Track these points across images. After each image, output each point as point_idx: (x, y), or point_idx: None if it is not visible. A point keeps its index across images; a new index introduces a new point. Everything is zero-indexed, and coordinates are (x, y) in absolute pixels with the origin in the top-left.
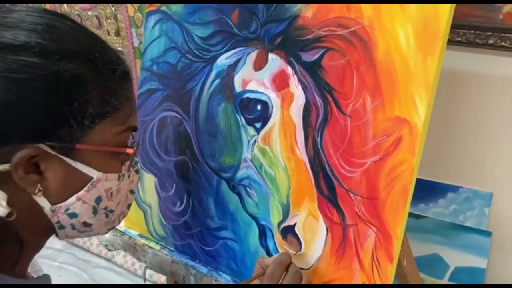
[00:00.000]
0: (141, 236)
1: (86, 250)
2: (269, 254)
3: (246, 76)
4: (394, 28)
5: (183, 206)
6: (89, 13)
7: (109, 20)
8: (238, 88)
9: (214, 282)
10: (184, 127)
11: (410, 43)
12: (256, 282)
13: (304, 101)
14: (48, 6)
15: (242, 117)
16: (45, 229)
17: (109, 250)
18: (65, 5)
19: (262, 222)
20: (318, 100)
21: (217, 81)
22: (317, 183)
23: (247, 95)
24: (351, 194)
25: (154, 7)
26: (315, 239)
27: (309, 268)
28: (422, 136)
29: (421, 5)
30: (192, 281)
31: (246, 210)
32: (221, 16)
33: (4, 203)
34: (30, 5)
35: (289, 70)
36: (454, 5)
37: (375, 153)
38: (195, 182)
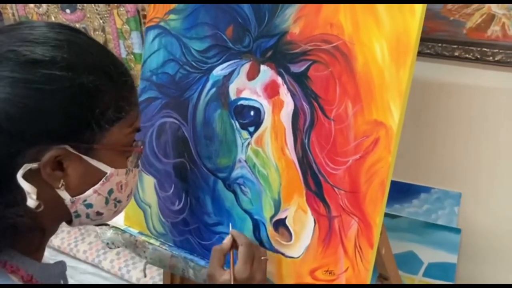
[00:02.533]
0: (141, 233)
1: (72, 256)
2: (262, 245)
3: (240, 85)
4: (371, 43)
5: (181, 205)
6: (77, 25)
7: (97, 32)
8: (232, 96)
9: None
10: (182, 132)
11: (385, 56)
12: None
13: (293, 107)
14: (35, 16)
15: (236, 122)
16: (63, 217)
17: (110, 248)
18: (52, 17)
19: (256, 217)
20: (306, 106)
21: (213, 90)
22: (305, 180)
23: (241, 102)
24: (336, 189)
25: (153, 23)
26: (304, 230)
27: (299, 257)
28: (396, 136)
29: (394, 22)
30: (191, 273)
31: (241, 206)
32: (217, 32)
33: (34, 197)
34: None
35: (279, 80)
36: (422, 22)
37: (356, 152)
38: (192, 182)
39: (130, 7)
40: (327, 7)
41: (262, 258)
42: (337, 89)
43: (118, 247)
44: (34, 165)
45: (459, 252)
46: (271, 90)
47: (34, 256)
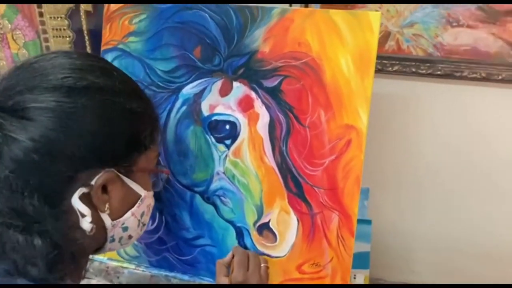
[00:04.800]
0: (111, 259)
1: None
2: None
3: (213, 102)
4: (337, 58)
5: (155, 224)
6: None
7: None
8: (205, 112)
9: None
10: None
11: (350, 68)
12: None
13: (268, 118)
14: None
15: (211, 137)
16: (99, 243)
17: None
18: None
19: (239, 224)
20: (281, 117)
21: (184, 107)
22: (286, 183)
23: (215, 117)
24: (316, 188)
25: (110, 45)
26: (288, 230)
27: (285, 255)
28: (365, 136)
29: (356, 39)
30: None
31: (222, 216)
32: (184, 52)
33: (90, 219)
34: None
35: (253, 94)
36: (378, 38)
37: (332, 153)
38: (167, 200)
39: (29, 30)
40: (294, 28)
41: (262, 265)
42: (309, 99)
43: (89, 278)
44: (86, 189)
45: (371, 241)
46: (246, 104)
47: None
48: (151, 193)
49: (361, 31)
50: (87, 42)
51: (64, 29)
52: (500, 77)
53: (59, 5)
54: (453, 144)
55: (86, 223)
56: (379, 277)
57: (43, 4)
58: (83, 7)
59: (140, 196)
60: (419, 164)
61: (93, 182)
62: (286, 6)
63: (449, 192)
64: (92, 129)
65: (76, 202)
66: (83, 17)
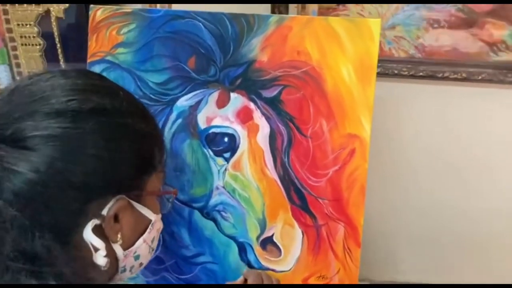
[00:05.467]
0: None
1: None
2: (250, 266)
3: (210, 114)
4: (338, 67)
5: None
6: None
7: None
8: (202, 125)
9: None
10: None
11: (351, 77)
12: None
13: (269, 129)
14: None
15: (209, 150)
16: (110, 275)
17: None
18: None
19: (241, 240)
20: (282, 127)
21: (179, 120)
22: (289, 196)
23: (213, 130)
24: (320, 199)
25: (97, 57)
26: (292, 244)
27: (290, 269)
28: (368, 145)
29: (357, 48)
30: None
31: (223, 232)
32: (177, 63)
33: (104, 253)
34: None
35: (252, 105)
36: (379, 45)
37: (335, 163)
38: (164, 217)
39: None
40: (292, 37)
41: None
42: (311, 109)
43: None
44: (98, 220)
45: None
46: (245, 116)
47: None
48: (160, 216)
49: (361, 39)
50: (59, 50)
51: (33, 37)
52: (480, 77)
53: (28, 11)
54: (435, 144)
55: (100, 258)
56: (365, 277)
57: (9, 11)
58: (53, 13)
59: (151, 220)
60: (402, 164)
61: (104, 212)
62: (267, 6)
63: (430, 191)
64: (101, 155)
65: (88, 235)
66: (54, 23)
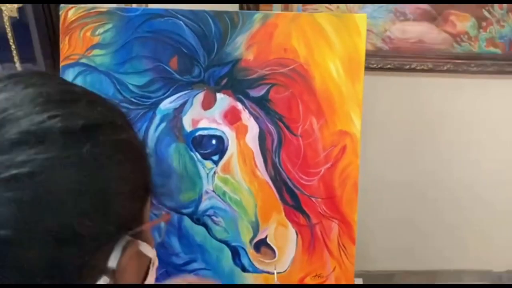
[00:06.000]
0: None
1: None
2: (244, 270)
3: (195, 116)
4: (326, 64)
5: None
6: None
7: None
8: (188, 127)
9: None
10: None
11: (340, 73)
12: None
13: (258, 130)
14: None
15: (197, 153)
16: None
17: None
18: None
19: (234, 244)
20: (271, 127)
21: (163, 124)
22: (281, 196)
23: (200, 132)
24: (313, 198)
25: (71, 60)
26: (287, 244)
27: (285, 270)
28: (359, 141)
29: (344, 44)
30: None
31: (215, 237)
32: (159, 64)
33: None
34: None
35: (239, 105)
36: (365, 40)
37: (327, 161)
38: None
39: None
40: (278, 34)
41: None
42: (300, 107)
43: None
44: (107, 277)
45: None
46: (232, 117)
47: None
48: (154, 250)
49: (348, 34)
50: (14, 52)
51: None
52: (445, 68)
53: None
54: (404, 134)
55: None
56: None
57: None
58: (6, 12)
59: (150, 259)
60: (369, 156)
61: (112, 264)
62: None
63: (402, 180)
64: (103, 186)
65: None
66: (7, 23)
